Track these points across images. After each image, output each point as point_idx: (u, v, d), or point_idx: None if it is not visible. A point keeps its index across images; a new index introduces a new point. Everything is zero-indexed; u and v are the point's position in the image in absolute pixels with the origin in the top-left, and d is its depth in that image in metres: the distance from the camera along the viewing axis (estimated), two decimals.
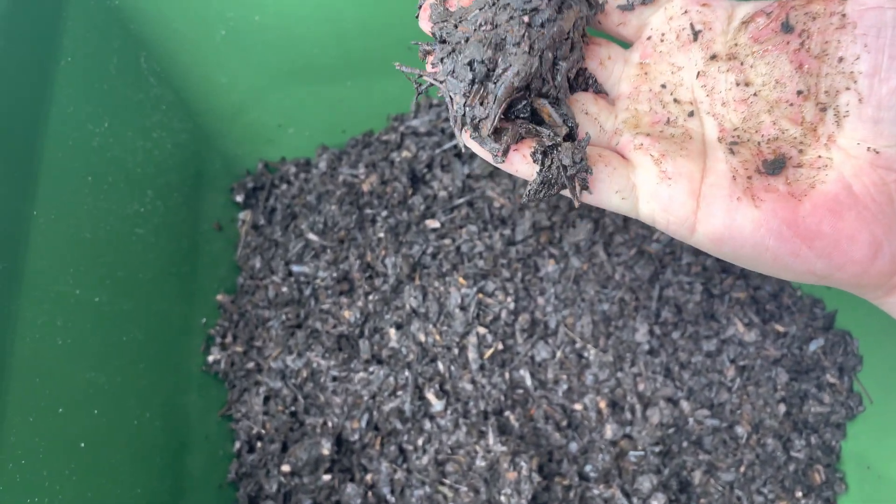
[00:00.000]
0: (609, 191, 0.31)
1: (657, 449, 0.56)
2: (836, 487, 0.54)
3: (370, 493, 0.57)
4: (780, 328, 0.59)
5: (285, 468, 0.58)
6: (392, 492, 0.57)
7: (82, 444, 0.45)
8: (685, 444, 0.57)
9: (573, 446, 0.58)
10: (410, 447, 0.58)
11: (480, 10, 0.31)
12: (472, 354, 0.60)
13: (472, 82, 0.30)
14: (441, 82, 0.31)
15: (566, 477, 0.56)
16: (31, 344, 0.42)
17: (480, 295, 0.61)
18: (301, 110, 0.68)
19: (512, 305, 0.61)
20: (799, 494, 0.54)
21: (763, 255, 0.29)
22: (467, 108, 0.30)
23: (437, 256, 0.63)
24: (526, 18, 0.30)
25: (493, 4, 0.31)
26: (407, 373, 0.59)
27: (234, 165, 0.70)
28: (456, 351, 0.60)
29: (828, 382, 0.56)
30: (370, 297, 0.62)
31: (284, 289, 0.64)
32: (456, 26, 0.32)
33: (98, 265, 0.49)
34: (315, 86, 0.66)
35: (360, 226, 0.65)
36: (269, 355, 0.62)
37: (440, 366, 0.60)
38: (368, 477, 0.58)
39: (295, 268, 0.65)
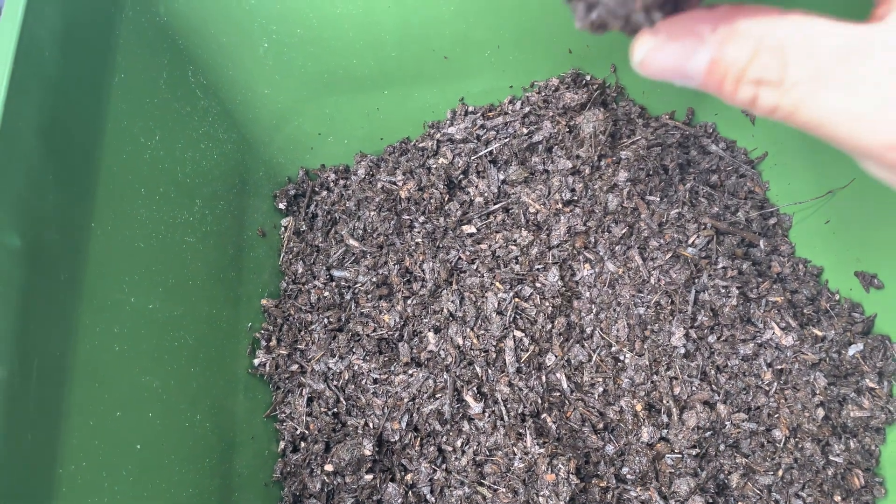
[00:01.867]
0: None
1: (694, 452, 0.57)
2: (876, 492, 0.54)
3: (410, 493, 0.58)
4: (818, 332, 0.59)
5: (328, 468, 0.59)
6: (431, 492, 0.58)
7: (138, 446, 0.47)
8: (722, 447, 0.58)
9: (610, 448, 0.58)
10: (449, 448, 0.59)
11: None
12: (509, 357, 0.61)
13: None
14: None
15: (603, 479, 0.57)
16: (91, 350, 0.45)
17: (517, 299, 0.62)
18: (340, 119, 0.70)
19: (548, 309, 0.62)
20: (838, 498, 0.54)
21: None
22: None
23: (474, 261, 0.65)
24: None
25: None
26: (445, 375, 0.61)
27: (276, 173, 0.72)
28: (493, 354, 0.61)
29: (867, 387, 0.56)
30: (409, 302, 0.64)
31: (326, 293, 0.66)
32: None
33: (151, 273, 0.52)
34: (353, 95, 0.68)
35: (398, 231, 0.67)
36: (312, 358, 0.64)
37: (478, 369, 0.61)
38: (409, 477, 0.59)
39: (336, 272, 0.67)
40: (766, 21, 0.21)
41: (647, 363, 0.60)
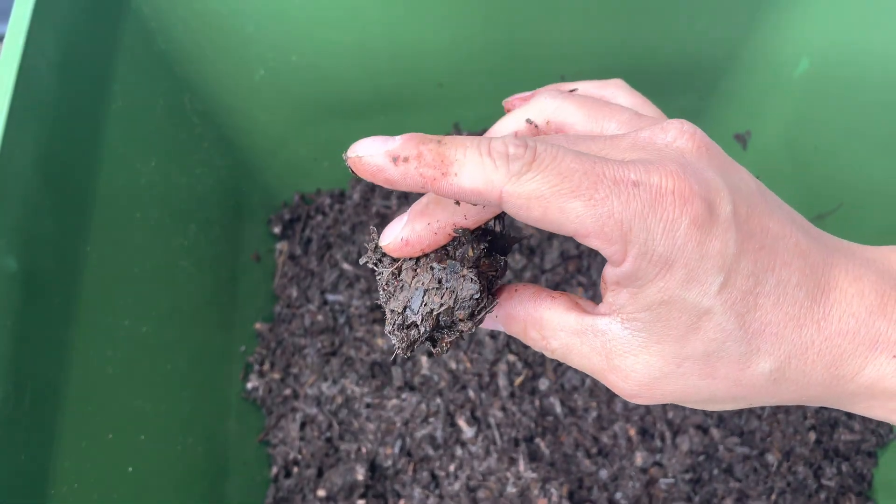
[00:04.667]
0: None
1: (687, 476, 0.57)
2: None
3: None
4: None
5: (321, 493, 0.59)
6: None
7: (130, 469, 0.47)
8: (716, 471, 0.58)
9: (603, 473, 0.58)
10: (442, 473, 0.59)
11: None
12: (502, 382, 0.61)
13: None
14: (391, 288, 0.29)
15: None
16: (84, 373, 0.45)
17: None
18: (335, 144, 0.71)
19: None
20: None
21: None
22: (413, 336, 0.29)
23: None
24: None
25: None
26: (438, 400, 0.61)
27: (271, 198, 0.72)
28: (486, 378, 0.61)
29: None
30: None
31: (320, 317, 0.66)
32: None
33: (145, 297, 0.52)
34: (348, 121, 0.68)
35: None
36: (306, 382, 0.64)
37: (471, 393, 0.61)
38: (402, 502, 0.59)
39: (330, 297, 0.67)
40: (530, 306, 0.29)
41: None
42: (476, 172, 0.24)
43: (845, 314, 0.26)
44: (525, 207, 0.24)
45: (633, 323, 0.26)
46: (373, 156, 0.25)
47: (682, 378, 0.26)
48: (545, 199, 0.23)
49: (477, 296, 0.28)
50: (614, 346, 0.27)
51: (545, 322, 0.28)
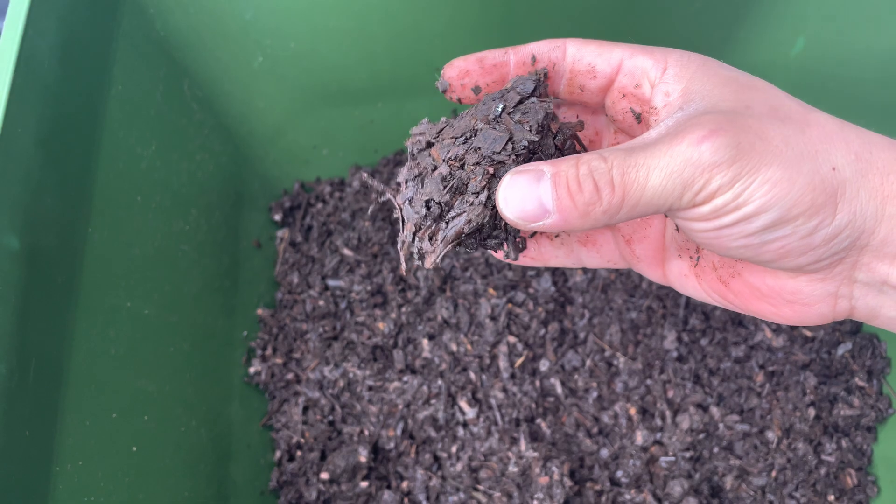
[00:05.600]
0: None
1: (688, 454, 0.57)
2: (868, 491, 0.54)
3: (406, 500, 0.58)
4: (808, 333, 0.59)
5: (324, 476, 0.60)
6: (427, 498, 0.59)
7: (134, 449, 0.48)
8: (716, 449, 0.58)
9: (604, 452, 0.59)
10: (444, 454, 0.60)
11: (454, 140, 0.31)
12: (502, 363, 0.61)
13: (425, 218, 0.30)
14: (399, 206, 0.31)
15: (598, 482, 0.57)
16: (87, 352, 0.45)
17: (510, 305, 0.63)
18: (335, 132, 0.71)
19: (542, 315, 0.62)
20: (831, 498, 0.54)
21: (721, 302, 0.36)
22: (417, 240, 0.31)
23: (468, 268, 0.65)
24: (491, 169, 0.30)
25: (466, 141, 0.31)
26: (440, 382, 0.61)
27: (272, 186, 0.73)
28: (487, 360, 0.62)
29: (857, 386, 0.57)
30: (403, 309, 0.64)
31: (321, 302, 0.66)
32: (430, 144, 0.32)
33: (147, 280, 0.52)
34: (348, 108, 0.69)
35: (392, 241, 0.68)
36: (308, 366, 0.64)
37: (472, 375, 0.61)
38: (404, 484, 0.59)
39: (331, 282, 0.68)
40: (575, 156, 0.29)
41: (641, 367, 0.61)
42: None
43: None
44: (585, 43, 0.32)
45: (692, 102, 0.29)
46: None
47: (756, 116, 0.28)
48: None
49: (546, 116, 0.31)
50: (682, 119, 0.28)
51: (599, 149, 0.29)
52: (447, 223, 0.30)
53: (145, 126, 0.55)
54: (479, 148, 0.30)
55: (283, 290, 0.69)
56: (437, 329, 0.63)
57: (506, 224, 0.31)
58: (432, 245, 0.30)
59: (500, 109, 0.30)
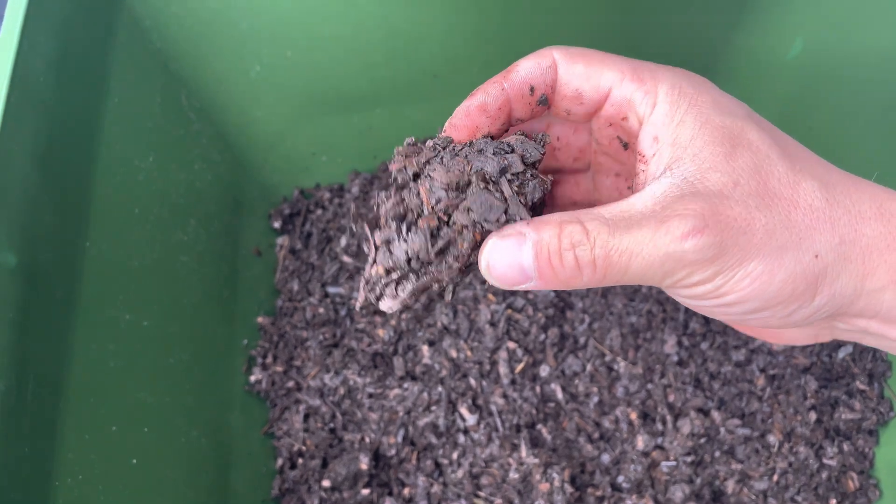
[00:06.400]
0: None
1: (689, 459, 0.57)
2: (871, 494, 0.54)
3: None
4: None
5: (326, 483, 0.60)
6: None
7: (134, 461, 0.48)
8: (717, 453, 0.58)
9: (605, 457, 0.59)
10: (446, 461, 0.60)
11: (446, 186, 0.29)
12: (503, 369, 0.61)
13: (402, 270, 0.29)
14: (375, 244, 0.30)
15: (599, 488, 0.57)
16: (86, 366, 0.45)
17: (510, 310, 0.63)
18: (333, 138, 0.71)
19: (541, 320, 0.62)
20: (833, 502, 0.54)
21: None
22: (382, 282, 0.30)
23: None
24: (479, 237, 0.29)
25: (458, 191, 0.29)
26: (440, 388, 0.61)
27: (271, 193, 0.73)
28: (487, 366, 0.62)
29: (858, 389, 0.57)
30: (403, 316, 0.64)
31: (321, 310, 0.67)
32: (416, 176, 0.30)
33: (146, 291, 0.53)
34: (346, 115, 0.69)
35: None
36: (308, 374, 0.64)
37: (472, 381, 0.61)
38: (406, 491, 0.59)
39: (331, 289, 0.68)
40: (561, 213, 0.28)
41: (641, 372, 0.61)
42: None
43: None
44: (572, 60, 0.31)
45: (682, 163, 0.28)
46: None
47: (742, 200, 0.27)
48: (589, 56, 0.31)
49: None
50: (669, 193, 0.27)
51: (580, 214, 0.28)
52: (418, 277, 0.29)
53: (143, 138, 0.55)
54: (471, 210, 0.29)
55: (283, 298, 0.69)
56: (436, 336, 0.64)
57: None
58: (396, 293, 0.29)
59: (498, 171, 0.29)
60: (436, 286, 0.29)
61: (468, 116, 0.32)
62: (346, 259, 0.68)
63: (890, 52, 0.57)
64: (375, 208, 0.31)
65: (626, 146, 0.33)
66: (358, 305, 0.31)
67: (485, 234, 0.29)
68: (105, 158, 0.50)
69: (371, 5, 0.60)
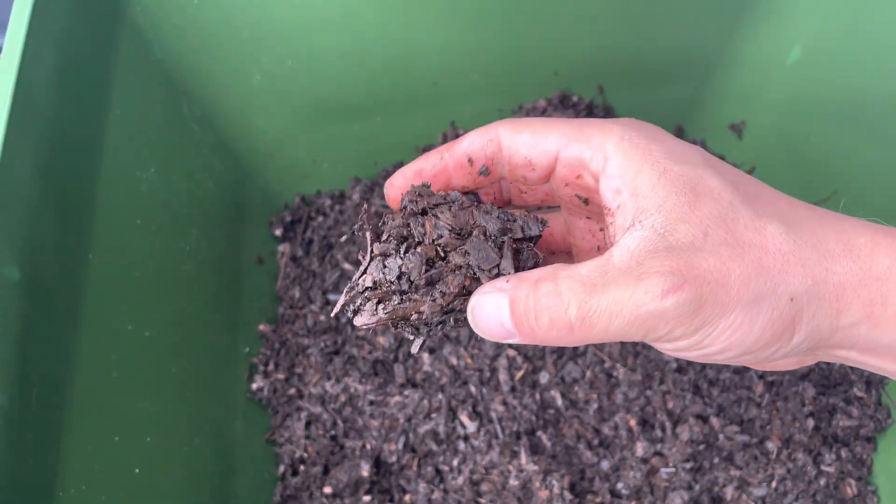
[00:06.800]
0: None
1: (688, 465, 0.57)
2: (869, 500, 0.54)
3: None
4: None
5: (327, 490, 0.60)
6: None
7: (137, 470, 0.49)
8: (716, 459, 0.58)
9: (605, 464, 0.59)
10: (446, 468, 0.60)
11: (451, 228, 0.30)
12: (502, 376, 0.62)
13: (389, 285, 0.30)
14: (371, 254, 0.31)
15: (598, 494, 0.57)
16: (89, 377, 0.46)
17: None
18: (334, 146, 0.72)
19: None
20: None
21: None
22: (363, 296, 0.30)
23: None
24: (468, 282, 0.29)
25: (460, 236, 0.30)
26: (440, 395, 0.62)
27: (272, 200, 0.73)
28: (487, 373, 0.62)
29: (855, 396, 0.57)
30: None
31: (322, 317, 0.67)
32: (425, 212, 0.31)
33: (148, 301, 0.53)
34: (346, 122, 0.69)
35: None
36: (310, 381, 0.65)
37: (472, 388, 0.62)
38: (407, 497, 0.60)
39: (332, 297, 0.68)
40: (539, 270, 0.29)
41: (640, 378, 0.61)
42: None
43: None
44: (517, 131, 0.32)
45: (648, 215, 0.28)
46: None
47: (714, 250, 0.27)
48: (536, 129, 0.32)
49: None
50: (642, 248, 0.27)
51: (553, 272, 0.28)
52: (401, 300, 0.30)
53: (145, 148, 0.55)
54: (469, 254, 0.30)
55: (284, 305, 0.70)
56: (437, 343, 0.64)
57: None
58: (375, 311, 0.30)
59: (499, 231, 0.30)
60: (414, 317, 0.30)
61: (403, 177, 0.34)
62: (347, 266, 0.69)
63: (888, 60, 0.57)
64: (380, 223, 0.32)
65: (586, 202, 0.33)
66: (334, 312, 0.32)
67: (474, 282, 0.30)
68: (107, 169, 0.51)
69: (370, 14, 0.61)
